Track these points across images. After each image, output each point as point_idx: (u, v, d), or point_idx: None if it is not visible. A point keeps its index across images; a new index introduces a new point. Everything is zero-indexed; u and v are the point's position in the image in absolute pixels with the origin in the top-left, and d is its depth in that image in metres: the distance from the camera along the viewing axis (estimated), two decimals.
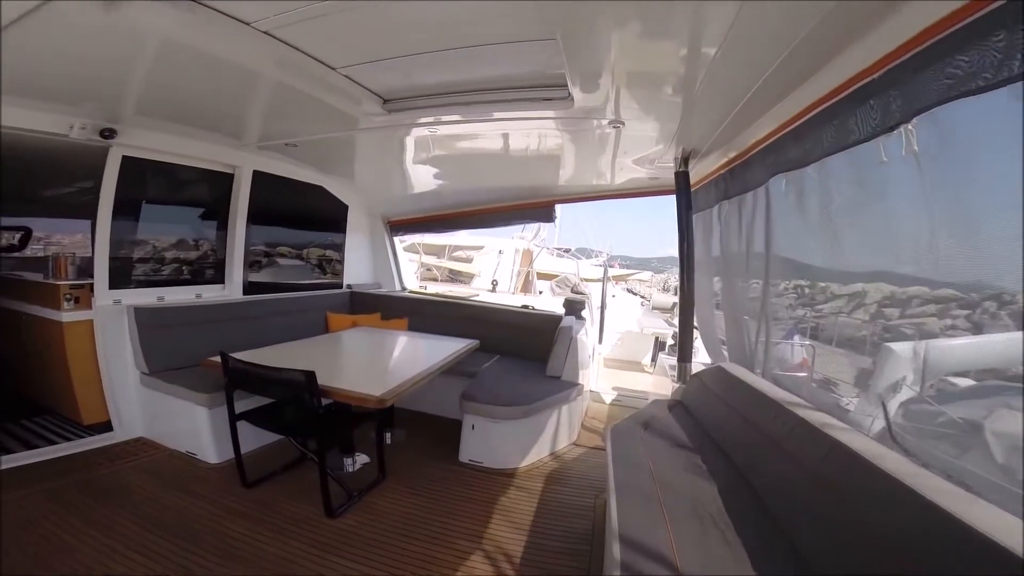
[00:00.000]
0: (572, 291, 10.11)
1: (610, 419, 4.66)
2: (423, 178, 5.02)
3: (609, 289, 8.69)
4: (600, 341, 7.08)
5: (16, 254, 6.42)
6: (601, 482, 3.22)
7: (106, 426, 3.41)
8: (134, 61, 2.41)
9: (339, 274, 5.64)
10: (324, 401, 2.51)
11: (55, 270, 3.62)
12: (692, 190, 3.66)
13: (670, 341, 7.25)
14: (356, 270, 5.78)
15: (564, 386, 3.87)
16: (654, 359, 7.08)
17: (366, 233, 5.99)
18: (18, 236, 6.52)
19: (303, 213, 5.17)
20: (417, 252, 11.50)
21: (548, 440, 3.68)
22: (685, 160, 3.55)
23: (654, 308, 12.37)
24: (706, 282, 3.71)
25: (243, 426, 2.83)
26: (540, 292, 11.07)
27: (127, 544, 2.28)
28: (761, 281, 2.78)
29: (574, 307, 4.89)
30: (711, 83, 2.32)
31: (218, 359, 2.74)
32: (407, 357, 3.70)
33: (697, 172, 3.71)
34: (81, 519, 2.44)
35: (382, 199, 5.82)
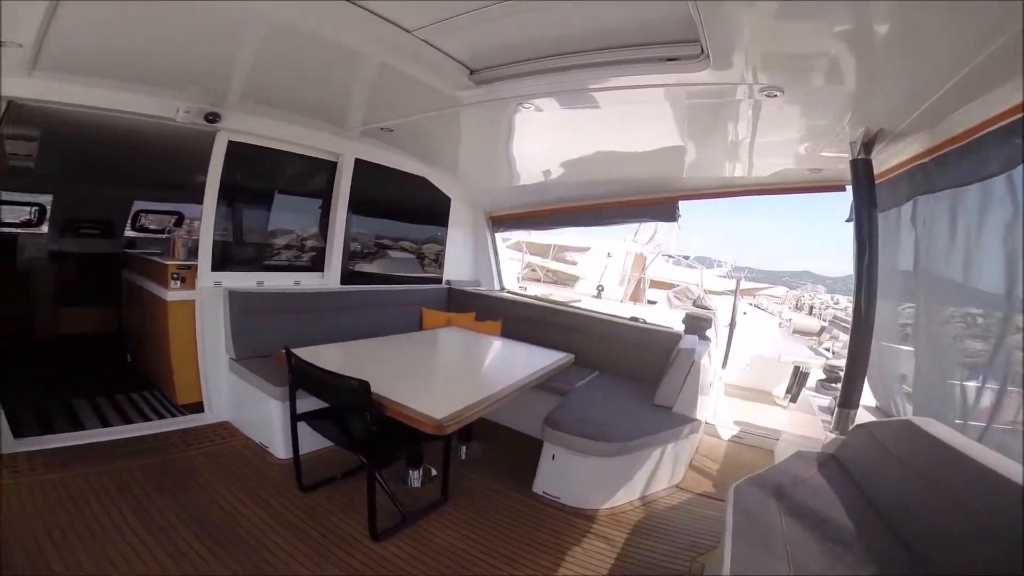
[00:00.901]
0: (694, 304, 9.02)
1: (727, 461, 3.84)
2: (526, 168, 4.60)
3: (739, 305, 7.55)
4: (724, 365, 6.11)
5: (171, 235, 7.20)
6: (704, 539, 2.59)
7: (198, 407, 3.46)
8: (233, 45, 2.39)
9: (439, 269, 5.43)
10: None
11: (171, 250, 3.78)
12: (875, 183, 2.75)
13: (818, 375, 6.02)
14: (456, 266, 5.54)
15: (675, 420, 3.18)
16: (790, 392, 5.92)
17: (468, 228, 5.72)
18: (173, 220, 7.34)
19: (405, 204, 5.02)
20: (522, 250, 11.15)
21: (643, 480, 3.03)
22: (867, 144, 2.67)
23: (795, 332, 10.68)
24: (888, 306, 2.79)
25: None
26: (653, 302, 10.10)
27: (159, 539, 2.17)
28: (997, 313, 1.89)
29: (697, 324, 4.13)
30: (917, 32, 1.59)
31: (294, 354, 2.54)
32: (489, 369, 3.27)
33: (883, 160, 2.80)
34: (130, 505, 2.38)
35: (484, 192, 5.50)
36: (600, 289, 9.81)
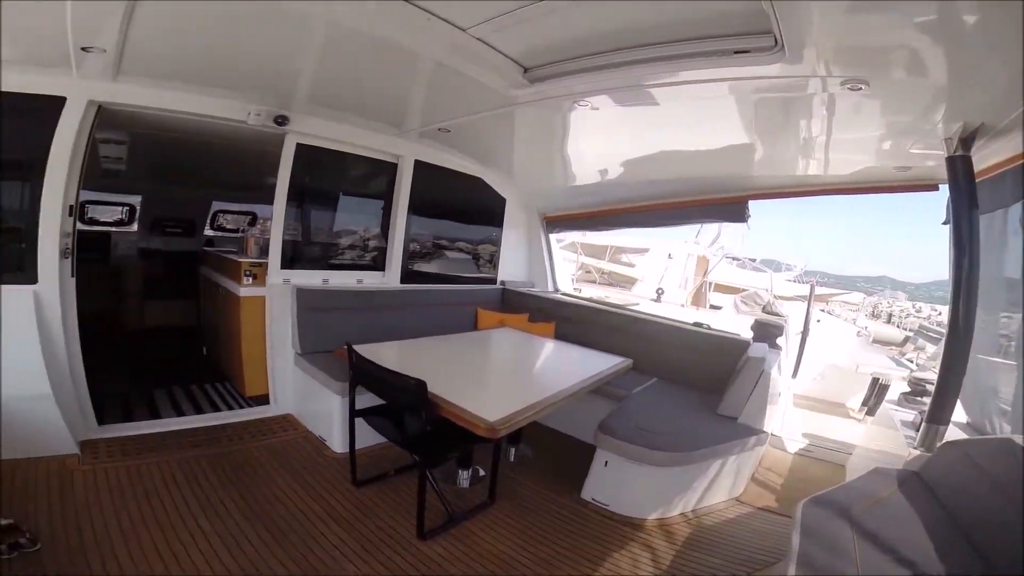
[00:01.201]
0: (764, 310, 8.54)
1: (793, 475, 3.60)
2: (582, 168, 4.52)
3: (812, 312, 7.08)
4: (795, 375, 5.75)
5: (244, 234, 7.65)
6: (761, 555, 2.46)
7: (265, 399, 3.63)
8: (296, 48, 2.48)
9: (494, 269, 5.44)
10: None
11: (244, 249, 3.99)
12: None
13: (901, 387, 5.56)
14: (510, 266, 5.53)
15: (740, 431, 3.02)
16: (867, 404, 5.49)
17: (523, 228, 5.70)
18: (247, 219, 7.78)
19: (462, 205, 5.06)
20: (576, 251, 10.97)
21: (699, 491, 2.90)
22: (965, 140, 2.41)
23: (875, 341, 9.87)
24: (987, 316, 2.50)
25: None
26: (717, 307, 9.64)
27: (218, 529, 2.27)
28: None
29: (768, 331, 3.90)
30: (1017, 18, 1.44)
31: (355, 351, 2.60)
32: (543, 372, 3.22)
33: (984, 157, 2.52)
34: (195, 495, 2.52)
35: (539, 192, 5.45)
36: (660, 292, 9.49)
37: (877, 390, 5.17)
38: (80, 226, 3.21)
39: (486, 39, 2.25)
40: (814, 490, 2.08)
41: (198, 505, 2.43)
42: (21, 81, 2.53)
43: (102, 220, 6.66)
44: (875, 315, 20.03)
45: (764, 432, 3.14)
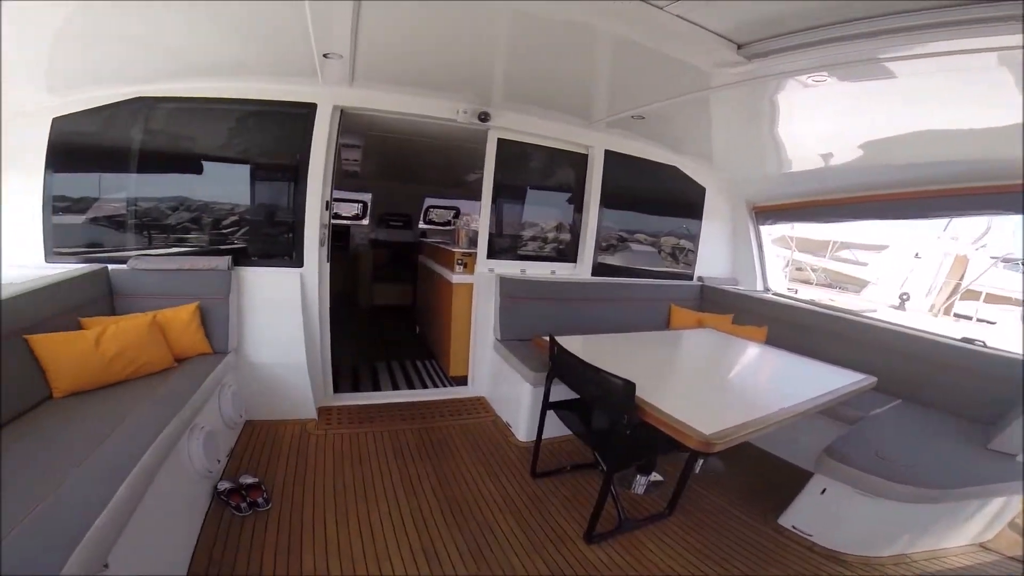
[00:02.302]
0: None
1: None
2: (800, 152, 3.86)
3: None
4: None
5: (451, 227, 8.51)
6: None
7: (464, 380, 3.95)
8: (488, 44, 2.55)
9: (690, 264, 5.04)
10: None
11: (455, 240, 4.39)
12: None
13: None
14: (710, 261, 5.05)
15: (1016, 471, 2.37)
16: None
17: (725, 220, 5.14)
18: (452, 213, 8.63)
19: (655, 195, 4.75)
20: (788, 247, 9.44)
21: (935, 532, 2.43)
22: None
23: None
24: None
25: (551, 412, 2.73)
26: (989, 323, 7.40)
27: (411, 505, 2.48)
28: None
29: None
30: None
31: (547, 340, 2.63)
32: (761, 384, 2.80)
33: None
34: (399, 468, 2.81)
35: (746, 180, 4.84)
36: (904, 298, 7.67)
37: None
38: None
39: (688, 16, 2.02)
40: None
41: (399, 476, 2.73)
42: (281, 90, 3.10)
43: (343, 215, 8.09)
44: None
45: None
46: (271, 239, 3.32)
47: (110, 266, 2.92)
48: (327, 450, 2.93)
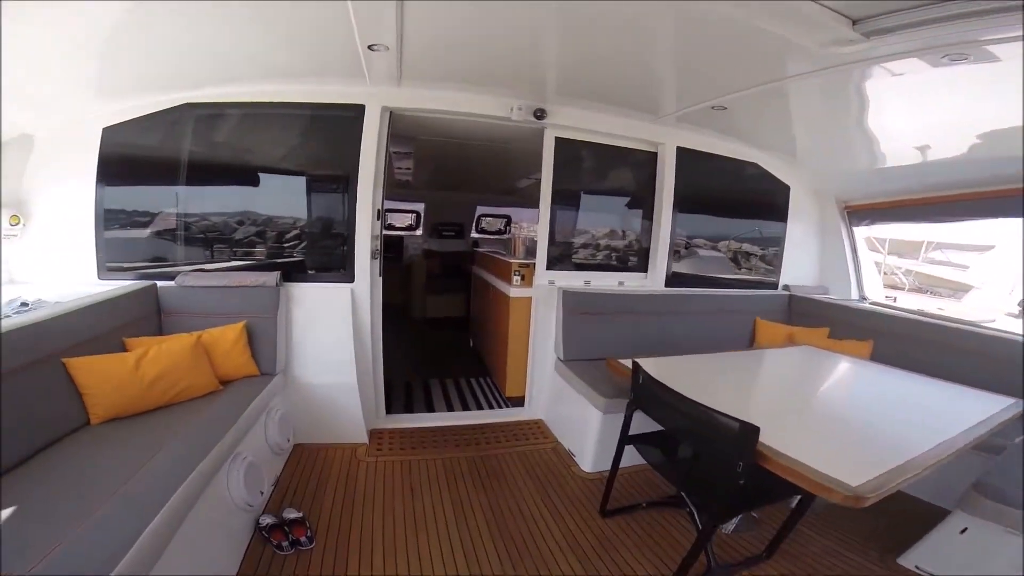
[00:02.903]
0: None
1: None
2: (894, 145, 3.34)
3: None
4: None
5: (503, 236, 8.28)
6: None
7: (520, 401, 3.67)
8: (540, 32, 2.30)
9: (774, 271, 4.50)
10: None
11: (512, 250, 4.10)
12: None
13: None
14: (796, 268, 4.49)
15: None
16: None
17: (812, 221, 4.56)
18: (503, 222, 8.40)
19: (734, 196, 4.27)
20: (878, 249, 8.37)
21: None
22: None
23: None
24: None
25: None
26: None
27: (463, 538, 2.27)
28: None
29: None
30: None
31: (626, 364, 2.28)
32: (898, 412, 2.23)
33: None
34: (452, 498, 2.57)
35: (836, 176, 4.26)
36: None
37: None
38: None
39: None
40: None
41: (452, 510, 2.48)
42: (328, 91, 2.93)
43: (397, 225, 8.04)
44: None
45: None
46: (326, 252, 3.16)
47: (159, 283, 2.84)
48: (377, 479, 2.72)
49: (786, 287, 4.37)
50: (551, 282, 3.53)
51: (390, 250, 7.80)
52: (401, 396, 3.88)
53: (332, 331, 3.03)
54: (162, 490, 1.56)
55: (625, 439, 2.33)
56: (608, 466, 2.46)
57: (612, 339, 3.29)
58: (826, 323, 3.80)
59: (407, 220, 8.15)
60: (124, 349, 2.29)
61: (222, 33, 2.27)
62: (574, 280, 3.63)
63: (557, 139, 3.46)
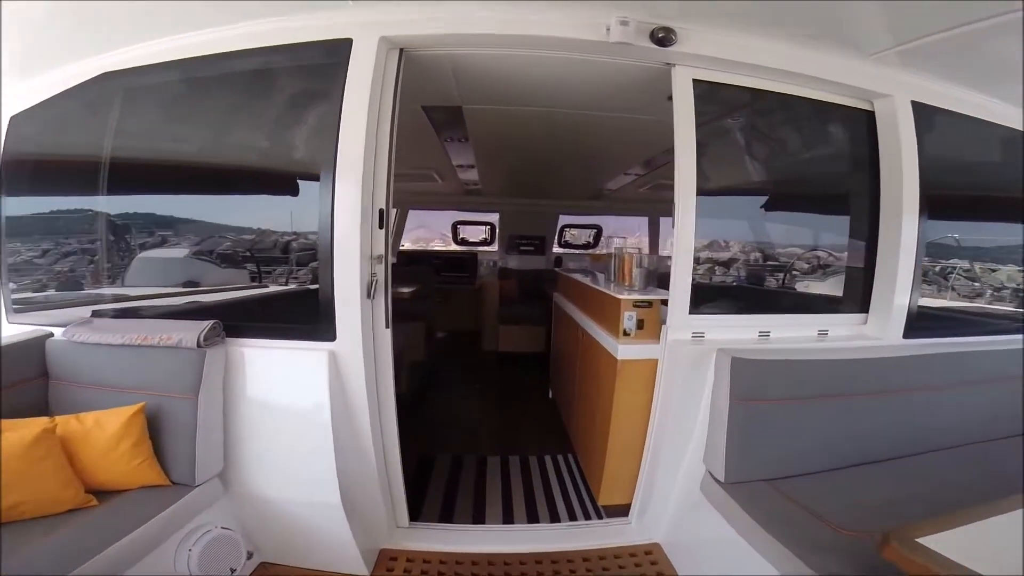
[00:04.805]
0: None
1: None
2: None
3: None
4: None
5: (592, 251, 6.79)
6: None
7: (623, 511, 2.24)
8: None
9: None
10: None
11: (617, 274, 2.61)
12: None
13: None
14: None
15: None
16: None
17: None
18: (591, 234, 6.90)
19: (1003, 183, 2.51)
20: None
21: None
22: None
23: None
24: None
25: None
26: None
27: None
28: None
29: None
30: None
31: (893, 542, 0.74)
32: None
33: None
34: None
35: None
36: None
37: None
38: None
39: None
40: None
41: None
42: (284, 30, 1.83)
43: (470, 240, 6.85)
44: None
45: None
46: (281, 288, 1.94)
47: (56, 333, 1.77)
48: None
49: None
50: (697, 336, 2.01)
51: (463, 269, 6.69)
52: (442, 484, 2.57)
53: (299, 422, 1.76)
54: None
55: None
56: None
57: (812, 447, 1.74)
58: None
59: (481, 234, 6.93)
60: None
61: None
62: (740, 331, 2.08)
63: (696, 82, 1.98)
